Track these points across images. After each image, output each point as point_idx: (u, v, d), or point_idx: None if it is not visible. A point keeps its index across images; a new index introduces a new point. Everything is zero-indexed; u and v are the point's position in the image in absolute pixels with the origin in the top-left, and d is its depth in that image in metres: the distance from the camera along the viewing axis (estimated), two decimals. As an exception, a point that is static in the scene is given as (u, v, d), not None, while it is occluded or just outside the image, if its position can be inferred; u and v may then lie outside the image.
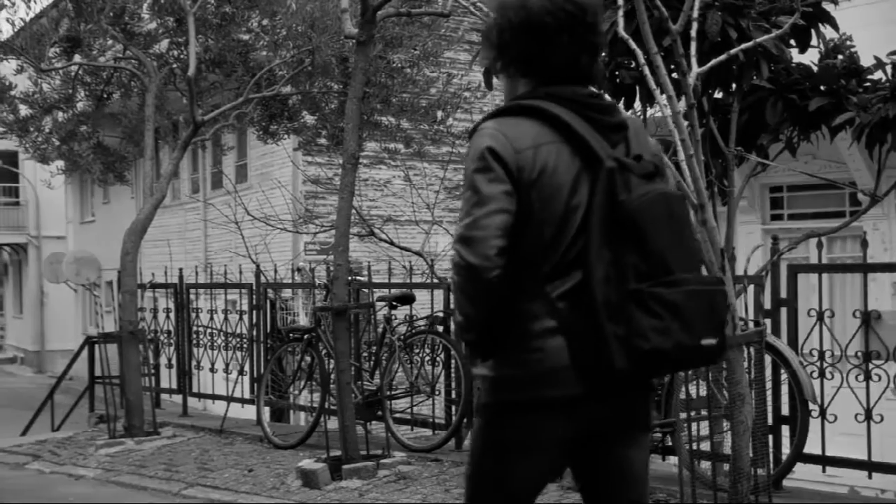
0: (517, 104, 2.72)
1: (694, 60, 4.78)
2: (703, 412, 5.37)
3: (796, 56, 5.73)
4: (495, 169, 2.60)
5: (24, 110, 11.26)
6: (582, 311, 2.57)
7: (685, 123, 4.78)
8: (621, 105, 5.76)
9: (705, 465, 5.92)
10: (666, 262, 2.57)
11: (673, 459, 6.76)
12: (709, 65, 4.86)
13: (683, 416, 5.33)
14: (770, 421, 5.77)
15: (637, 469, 2.78)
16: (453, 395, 8.03)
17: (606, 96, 2.84)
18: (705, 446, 5.78)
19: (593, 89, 2.76)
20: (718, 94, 5.85)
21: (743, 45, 5.00)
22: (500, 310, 2.64)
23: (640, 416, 2.76)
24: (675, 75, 5.00)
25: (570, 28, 2.68)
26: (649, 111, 6.04)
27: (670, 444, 6.48)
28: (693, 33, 4.79)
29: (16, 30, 10.43)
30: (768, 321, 6.10)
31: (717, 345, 2.64)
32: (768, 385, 5.80)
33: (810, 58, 5.72)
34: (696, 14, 4.77)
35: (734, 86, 5.67)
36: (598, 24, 2.75)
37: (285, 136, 11.84)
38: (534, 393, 2.63)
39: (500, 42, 2.76)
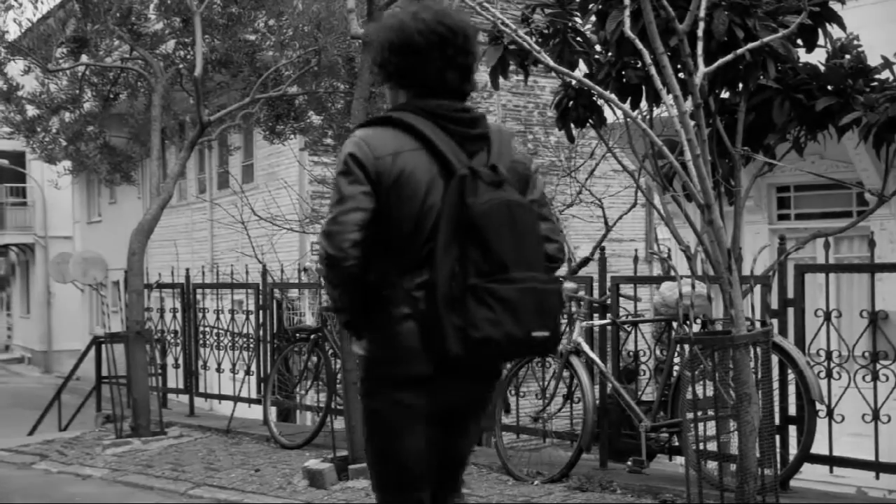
0: (383, 116, 3.13)
1: (700, 60, 4.77)
2: (710, 412, 5.36)
3: (803, 56, 5.71)
4: (355, 172, 3.00)
5: (31, 110, 11.29)
6: (430, 300, 2.94)
7: (692, 123, 4.77)
8: (627, 105, 5.75)
9: (712, 465, 5.91)
10: (503, 262, 2.91)
11: (679, 459, 6.76)
12: (715, 64, 4.85)
13: (690, 416, 5.32)
14: (777, 421, 5.76)
15: (471, 441, 3.31)
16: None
17: (477, 110, 3.27)
18: (712, 446, 5.77)
19: (463, 104, 3.15)
20: (725, 94, 5.84)
21: (750, 45, 4.98)
22: (364, 295, 3.05)
23: (486, 399, 3.22)
24: (681, 75, 4.99)
25: (441, 48, 3.08)
26: (655, 111, 6.03)
27: (677, 444, 6.48)
28: (700, 33, 4.78)
29: (23, 30, 10.46)
30: (775, 321, 6.10)
31: (549, 337, 3.03)
32: (775, 385, 5.79)
33: (817, 57, 5.70)
34: (702, 14, 4.76)
35: (741, 85, 5.65)
36: (468, 46, 3.13)
37: (292, 136, 11.84)
38: (394, 370, 3.04)
39: (381, 58, 3.18)
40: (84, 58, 10.65)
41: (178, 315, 10.79)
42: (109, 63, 10.92)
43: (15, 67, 10.74)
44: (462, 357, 2.92)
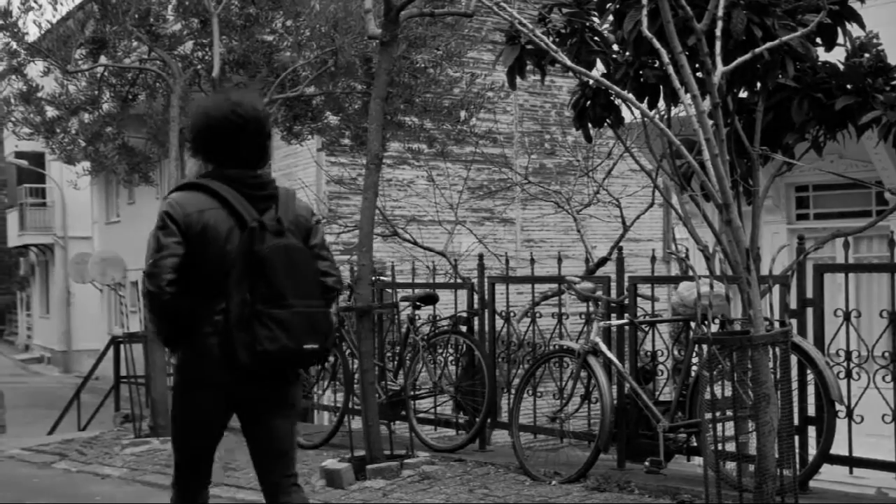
0: (191, 182, 4.04)
1: (719, 59, 4.75)
2: (729, 413, 5.34)
3: (822, 54, 5.68)
4: (169, 227, 3.88)
5: (50, 112, 11.35)
6: (227, 322, 3.83)
7: (710, 122, 4.75)
8: (645, 104, 5.73)
9: (730, 465, 5.89)
10: (282, 293, 3.83)
11: (698, 460, 6.75)
12: (734, 63, 4.83)
13: (708, 416, 5.30)
14: (796, 422, 5.73)
15: (282, 432, 4.15)
16: (476, 395, 8.03)
17: (270, 174, 4.23)
18: (730, 447, 5.75)
19: (255, 172, 4.05)
20: (743, 93, 5.81)
21: (768, 44, 4.96)
22: (181, 319, 3.91)
23: (283, 397, 4.08)
24: (699, 74, 4.97)
25: (236, 131, 3.99)
26: (673, 110, 6.01)
27: (695, 444, 6.46)
28: (718, 32, 4.76)
29: (43, 32, 10.51)
30: (794, 321, 6.07)
31: (318, 349, 3.97)
32: (794, 385, 5.77)
33: (836, 56, 5.66)
34: (720, 13, 4.75)
35: (759, 85, 5.63)
36: (259, 129, 4.05)
37: (309, 136, 11.87)
38: (201, 375, 3.93)
39: (191, 137, 4.10)
40: (103, 59, 10.70)
41: (196, 315, 10.81)
42: (128, 64, 10.96)
43: (35, 69, 10.80)
44: (249, 365, 3.82)
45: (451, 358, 8.28)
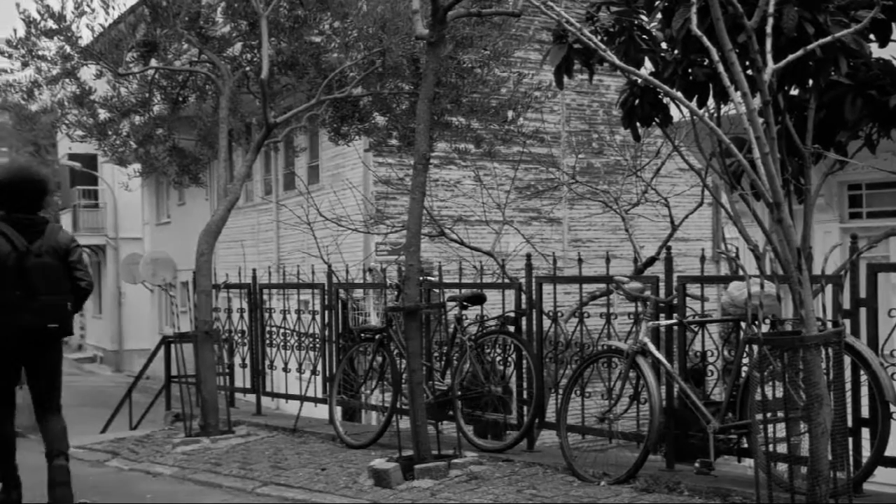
0: None
1: (769, 57, 4.70)
2: (780, 414, 5.28)
3: (876, 51, 5.60)
4: None
5: (102, 114, 11.50)
6: (2, 308, 6.30)
7: (760, 121, 4.71)
8: (694, 103, 5.69)
9: (782, 467, 5.82)
10: (36, 292, 6.31)
11: (748, 462, 6.67)
12: (785, 61, 4.77)
13: (759, 417, 5.24)
14: (850, 423, 5.65)
15: (47, 374, 6.56)
16: (524, 395, 8.01)
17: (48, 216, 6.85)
18: (782, 448, 5.68)
19: (30, 214, 6.49)
20: (794, 91, 5.75)
21: (820, 41, 4.90)
22: None
23: (44, 355, 6.51)
24: (749, 72, 4.93)
25: (19, 189, 6.44)
26: (723, 108, 5.96)
27: (745, 445, 6.39)
28: (768, 29, 4.71)
29: (95, 35, 10.65)
30: (847, 321, 5.98)
31: (59, 327, 6.45)
32: (847, 386, 5.69)
33: (891, 52, 5.59)
34: (771, 9, 4.70)
35: (811, 82, 5.56)
36: (37, 188, 6.51)
37: (356, 137, 11.91)
38: None
39: None
40: (153, 61, 10.82)
41: (246, 315, 10.91)
42: (178, 66, 11.07)
43: (87, 72, 10.95)
44: (11, 335, 6.33)
45: (498, 358, 8.27)
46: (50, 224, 6.56)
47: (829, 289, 5.89)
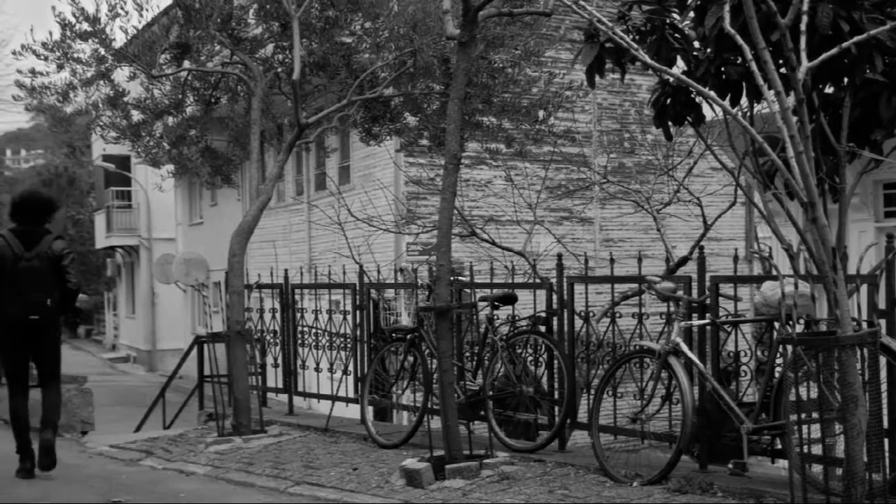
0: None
1: (803, 54, 4.67)
2: (815, 415, 5.23)
3: (912, 48, 5.55)
4: None
5: (136, 116, 11.57)
6: (12, 299, 7.83)
7: (794, 119, 4.67)
8: (727, 102, 5.65)
9: (817, 468, 5.78)
10: (24, 288, 7.76)
11: (783, 463, 6.62)
12: (819, 59, 4.74)
13: (794, 418, 5.21)
14: (886, 424, 5.60)
15: (44, 355, 8.05)
16: (556, 396, 7.99)
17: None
18: (816, 450, 5.64)
19: (31, 226, 7.98)
20: (829, 89, 5.70)
21: (856, 38, 4.86)
22: None
23: (37, 341, 7.94)
24: (783, 70, 4.89)
25: (23, 206, 8.05)
26: (756, 107, 5.92)
27: (779, 446, 6.35)
28: (803, 27, 4.67)
29: (129, 38, 10.72)
30: (883, 321, 5.92)
31: (39, 319, 7.83)
32: (883, 387, 5.63)
33: (927, 50, 5.53)
34: (805, 7, 4.66)
35: (846, 80, 5.51)
36: (37, 208, 8.03)
37: (387, 137, 11.92)
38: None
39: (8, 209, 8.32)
40: (186, 63, 10.88)
41: (277, 315, 10.96)
42: (210, 68, 11.13)
43: (121, 74, 11.03)
44: (11, 322, 7.79)
45: (529, 358, 8.26)
46: (48, 235, 7.97)
47: (864, 289, 5.83)
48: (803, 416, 5.26)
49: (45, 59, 10.25)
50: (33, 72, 10.37)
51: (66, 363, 8.73)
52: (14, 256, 7.76)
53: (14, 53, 14.55)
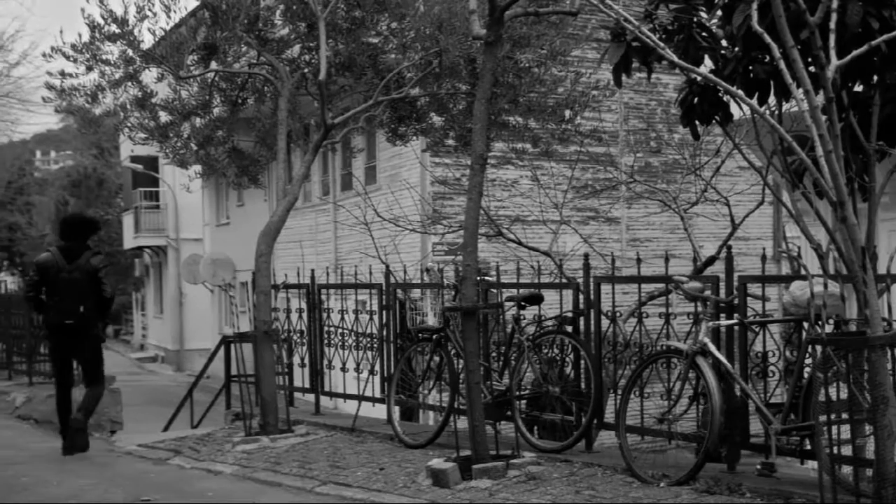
0: (47, 249, 10.46)
1: (833, 53, 4.64)
2: (845, 415, 5.19)
3: (942, 46, 5.49)
4: (35, 269, 9.58)
5: (164, 117, 11.63)
6: (50, 306, 9.42)
7: (823, 118, 4.64)
8: (755, 100, 5.62)
9: (847, 469, 5.73)
10: (63, 298, 9.34)
11: (812, 464, 6.58)
12: (849, 57, 4.70)
13: (823, 419, 5.17)
14: (916, 426, 5.54)
15: (87, 357, 9.56)
16: (582, 396, 7.97)
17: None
18: (846, 450, 5.59)
19: (72, 242, 9.48)
20: (859, 88, 5.66)
21: (886, 36, 4.82)
22: (40, 303, 9.55)
23: (78, 341, 9.40)
24: (812, 69, 4.86)
25: (68, 228, 9.67)
26: (784, 106, 5.88)
27: (808, 447, 6.30)
28: (832, 24, 4.64)
29: (156, 39, 10.78)
30: (913, 322, 5.87)
31: (74, 323, 9.30)
32: (914, 388, 5.58)
33: (958, 47, 5.47)
34: (835, 4, 4.63)
35: (875, 78, 5.47)
36: (77, 227, 9.68)
37: (414, 137, 11.92)
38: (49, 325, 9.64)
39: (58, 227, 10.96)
40: (213, 64, 10.93)
41: (304, 315, 10.99)
42: (238, 69, 11.18)
43: (149, 75, 11.09)
44: (51, 326, 9.43)
45: (556, 358, 8.24)
46: (88, 251, 9.45)
47: (894, 288, 5.78)
48: (833, 416, 5.22)
49: (75, 60, 10.31)
50: (63, 73, 10.43)
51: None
52: (58, 269, 9.28)
53: (44, 55, 14.66)
